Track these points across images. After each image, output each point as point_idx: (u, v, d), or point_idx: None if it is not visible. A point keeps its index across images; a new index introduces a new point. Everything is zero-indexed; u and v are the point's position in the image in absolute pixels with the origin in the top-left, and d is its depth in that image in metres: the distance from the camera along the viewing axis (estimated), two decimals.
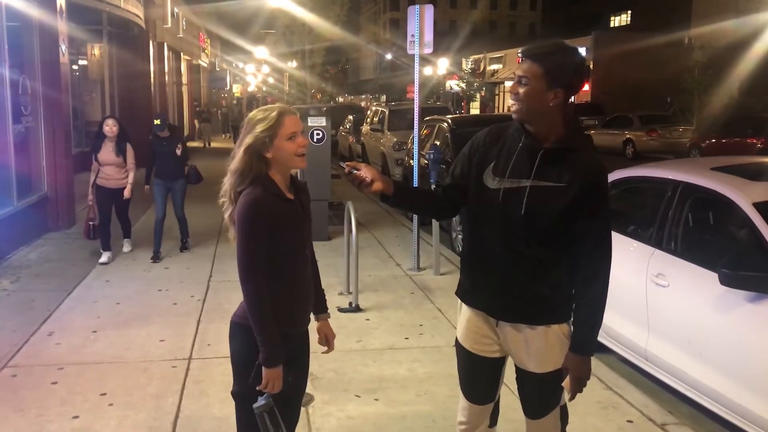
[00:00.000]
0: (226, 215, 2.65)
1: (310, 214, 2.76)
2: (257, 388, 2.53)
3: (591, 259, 2.51)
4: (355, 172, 2.60)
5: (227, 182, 2.61)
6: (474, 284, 2.73)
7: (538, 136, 2.54)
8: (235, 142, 2.69)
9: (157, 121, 8.16)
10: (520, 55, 2.57)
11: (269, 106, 2.67)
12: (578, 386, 2.56)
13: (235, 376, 2.69)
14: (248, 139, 2.55)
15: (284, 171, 2.63)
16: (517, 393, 2.79)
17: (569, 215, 2.48)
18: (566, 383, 2.56)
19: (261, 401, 2.51)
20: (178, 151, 8.14)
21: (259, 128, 2.55)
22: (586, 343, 2.55)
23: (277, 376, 2.54)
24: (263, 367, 2.52)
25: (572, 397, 2.58)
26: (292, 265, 2.66)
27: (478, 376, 2.78)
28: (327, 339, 2.93)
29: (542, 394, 2.66)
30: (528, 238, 2.53)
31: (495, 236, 2.59)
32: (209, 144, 26.78)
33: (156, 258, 8.03)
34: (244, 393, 2.60)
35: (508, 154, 2.59)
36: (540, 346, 2.60)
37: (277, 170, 2.60)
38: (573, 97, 2.66)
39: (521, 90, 2.50)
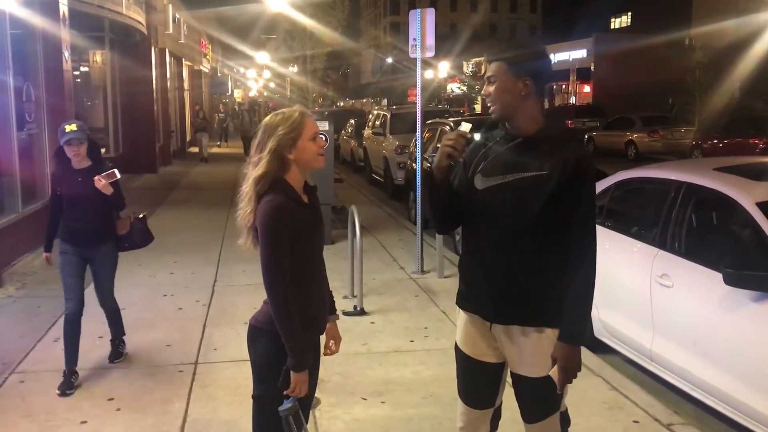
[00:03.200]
0: (240, 215, 2.65)
1: (322, 216, 2.80)
2: (285, 392, 2.56)
3: (577, 246, 2.53)
4: (459, 141, 2.59)
5: (247, 186, 2.62)
6: (469, 288, 2.76)
7: (519, 130, 2.62)
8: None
9: (71, 127, 4.60)
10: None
11: (287, 109, 2.70)
12: (566, 376, 2.53)
13: (256, 380, 2.71)
14: (272, 143, 2.57)
15: (304, 172, 2.67)
16: None
17: (555, 203, 2.51)
18: (554, 372, 2.53)
19: (287, 404, 2.55)
20: (106, 190, 4.59)
21: (281, 130, 2.58)
22: (574, 332, 2.54)
23: (304, 381, 2.58)
24: (291, 372, 2.55)
25: (560, 388, 2.56)
26: (312, 270, 2.70)
27: (476, 381, 2.79)
28: (334, 341, 2.95)
29: (538, 399, 2.66)
30: (519, 233, 2.56)
31: (487, 236, 2.63)
32: (206, 156, 23.03)
33: (68, 386, 4.60)
34: (266, 397, 2.63)
35: (494, 154, 2.67)
36: (533, 351, 2.61)
37: (297, 172, 2.64)
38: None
39: (492, 88, 2.61)
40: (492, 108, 2.63)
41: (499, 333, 2.68)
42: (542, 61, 2.65)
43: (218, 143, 30.72)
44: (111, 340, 5.26)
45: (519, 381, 2.69)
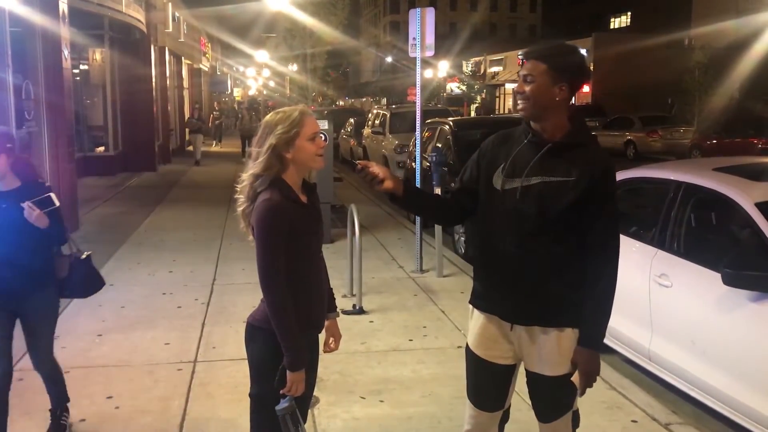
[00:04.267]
0: (240, 209, 2.68)
1: (321, 215, 2.80)
2: (281, 391, 2.57)
3: (599, 251, 2.54)
4: (367, 169, 2.63)
5: (246, 181, 2.64)
6: (487, 288, 2.74)
7: (545, 133, 2.59)
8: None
9: None
10: (521, 57, 2.64)
11: (288, 107, 2.70)
12: (588, 381, 2.55)
13: (253, 379, 2.72)
14: (271, 140, 2.58)
15: (302, 172, 2.67)
16: (523, 394, 2.80)
17: (579, 209, 2.51)
18: (575, 378, 2.55)
19: (284, 403, 2.56)
20: (40, 223, 3.43)
21: (280, 129, 2.58)
22: (594, 337, 2.55)
23: (301, 379, 2.59)
24: (288, 371, 2.56)
25: (582, 393, 2.57)
26: (310, 269, 2.70)
27: (488, 383, 2.78)
28: (334, 339, 2.95)
29: (555, 398, 2.66)
30: (541, 236, 2.55)
31: (508, 237, 2.61)
32: (199, 159, 20.88)
33: None
34: (263, 395, 2.63)
35: (517, 155, 2.63)
36: (553, 350, 2.61)
37: (294, 172, 2.63)
38: (574, 98, 2.71)
39: (527, 88, 2.56)
40: (523, 106, 2.60)
41: (520, 333, 2.67)
42: (582, 70, 2.63)
43: (219, 144, 30.49)
44: (50, 408, 3.98)
45: (537, 380, 2.68)
